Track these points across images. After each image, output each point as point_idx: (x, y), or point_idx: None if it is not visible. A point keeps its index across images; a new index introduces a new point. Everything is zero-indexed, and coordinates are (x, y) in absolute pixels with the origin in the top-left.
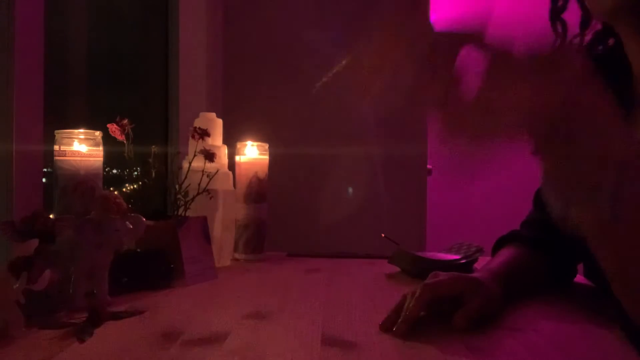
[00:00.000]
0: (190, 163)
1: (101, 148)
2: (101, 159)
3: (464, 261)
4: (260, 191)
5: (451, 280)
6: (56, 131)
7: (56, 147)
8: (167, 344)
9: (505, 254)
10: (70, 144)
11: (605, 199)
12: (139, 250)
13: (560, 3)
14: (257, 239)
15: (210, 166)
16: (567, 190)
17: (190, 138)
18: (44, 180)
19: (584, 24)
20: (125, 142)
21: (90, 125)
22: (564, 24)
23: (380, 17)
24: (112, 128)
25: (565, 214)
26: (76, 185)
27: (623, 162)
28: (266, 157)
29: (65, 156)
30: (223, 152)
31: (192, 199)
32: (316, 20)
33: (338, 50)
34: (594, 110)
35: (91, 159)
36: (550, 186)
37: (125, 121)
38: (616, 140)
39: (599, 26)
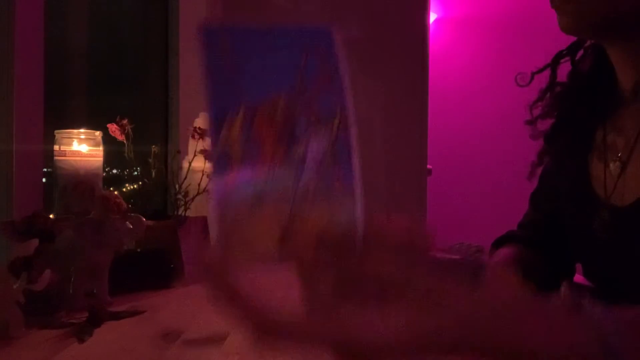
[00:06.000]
0: (190, 163)
1: (101, 148)
2: (101, 159)
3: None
4: None
5: None
6: (56, 131)
7: (56, 147)
8: (167, 344)
9: (501, 254)
10: (70, 144)
11: None
12: (139, 250)
13: None
14: None
15: (210, 166)
16: None
17: (190, 138)
18: (44, 180)
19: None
20: (125, 142)
21: (90, 125)
22: None
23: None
24: (112, 128)
25: None
26: (76, 185)
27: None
28: None
29: (65, 156)
30: None
31: (192, 199)
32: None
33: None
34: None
35: (91, 159)
36: None
37: (125, 121)
38: None
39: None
